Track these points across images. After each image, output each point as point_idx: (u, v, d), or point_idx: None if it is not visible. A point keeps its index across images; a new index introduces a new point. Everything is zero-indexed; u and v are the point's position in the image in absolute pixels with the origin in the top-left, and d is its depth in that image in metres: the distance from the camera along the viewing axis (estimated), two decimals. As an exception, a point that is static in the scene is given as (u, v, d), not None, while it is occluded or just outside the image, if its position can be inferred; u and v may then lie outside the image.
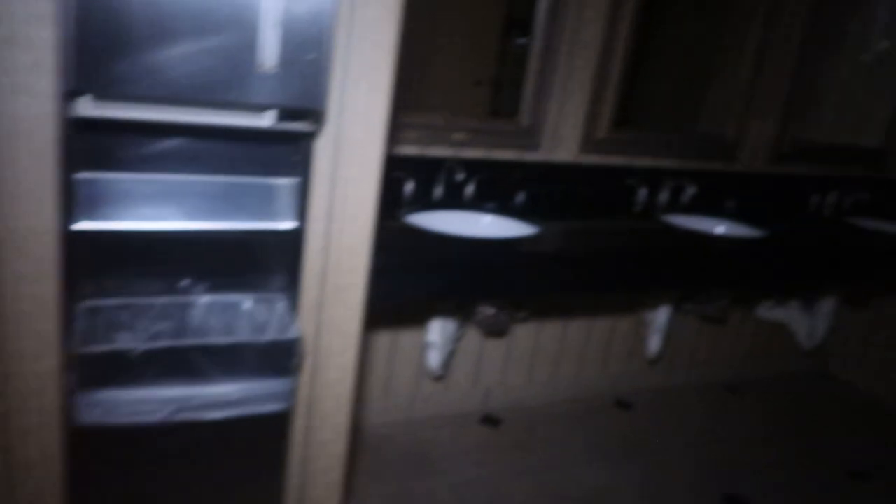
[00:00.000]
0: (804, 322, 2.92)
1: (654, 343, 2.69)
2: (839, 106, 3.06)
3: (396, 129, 2.16)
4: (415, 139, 2.21)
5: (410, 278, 1.80)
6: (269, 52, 1.16)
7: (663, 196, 2.58)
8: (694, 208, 2.60)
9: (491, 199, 2.28)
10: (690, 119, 2.85)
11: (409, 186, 2.17)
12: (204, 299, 1.49)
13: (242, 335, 1.47)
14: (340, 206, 1.46)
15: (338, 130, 1.38)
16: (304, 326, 1.52)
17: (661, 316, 2.64)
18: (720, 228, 2.55)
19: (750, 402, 3.10)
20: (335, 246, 1.48)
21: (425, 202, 2.18)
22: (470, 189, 2.26)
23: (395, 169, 2.15)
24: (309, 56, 1.19)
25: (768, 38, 2.65)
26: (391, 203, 2.09)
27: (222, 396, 1.42)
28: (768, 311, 3.02)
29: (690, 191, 2.60)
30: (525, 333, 2.68)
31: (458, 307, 2.27)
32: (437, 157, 2.24)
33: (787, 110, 2.81)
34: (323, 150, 1.39)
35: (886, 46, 2.98)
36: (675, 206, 2.59)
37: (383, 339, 2.42)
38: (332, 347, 1.57)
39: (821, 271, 2.46)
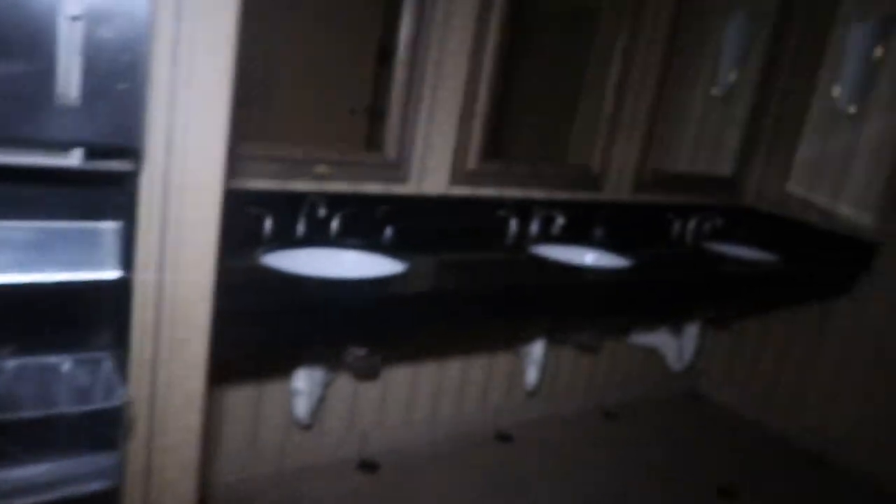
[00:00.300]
0: (673, 346, 3.01)
1: (531, 375, 2.67)
2: (695, 136, 3.22)
3: (252, 163, 2.02)
4: (274, 172, 2.07)
5: (267, 325, 1.66)
6: (70, 82, 1.01)
7: (534, 227, 2.58)
8: (564, 238, 2.62)
9: (357, 234, 2.18)
10: (559, 150, 2.89)
11: (267, 223, 2.03)
12: (12, 363, 1.29)
13: (59, 404, 1.28)
14: (174, 251, 1.30)
15: (166, 168, 1.24)
16: (135, 389, 1.34)
17: (536, 348, 2.63)
18: (589, 257, 2.58)
19: (627, 427, 3.15)
20: (170, 296, 1.33)
21: (286, 240, 2.04)
22: (335, 225, 2.15)
23: (251, 205, 2.02)
24: (120, 86, 1.05)
25: (628, 72, 2.74)
26: (247, 242, 1.94)
27: (33, 479, 1.21)
28: (639, 337, 3.09)
29: (560, 221, 2.61)
30: (401, 373, 2.58)
31: (327, 351, 2.14)
32: (299, 191, 2.11)
33: (648, 141, 2.91)
34: (149, 191, 1.24)
35: (734, 79, 3.17)
36: (546, 237, 2.59)
37: (246, 390, 2.24)
38: (171, 409, 1.40)
39: (685, 297, 2.54)
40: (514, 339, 2.73)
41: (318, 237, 2.10)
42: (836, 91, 3.05)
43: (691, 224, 3.05)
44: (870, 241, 2.91)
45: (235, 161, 1.98)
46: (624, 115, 2.81)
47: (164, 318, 1.33)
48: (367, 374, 2.43)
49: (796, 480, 2.92)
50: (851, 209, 2.99)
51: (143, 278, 1.30)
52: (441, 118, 2.34)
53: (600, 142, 2.79)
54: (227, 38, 1.22)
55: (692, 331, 3.01)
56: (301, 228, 2.09)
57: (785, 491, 2.82)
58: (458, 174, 2.44)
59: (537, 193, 2.66)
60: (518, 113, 2.71)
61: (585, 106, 2.82)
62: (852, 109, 3.00)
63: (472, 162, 2.45)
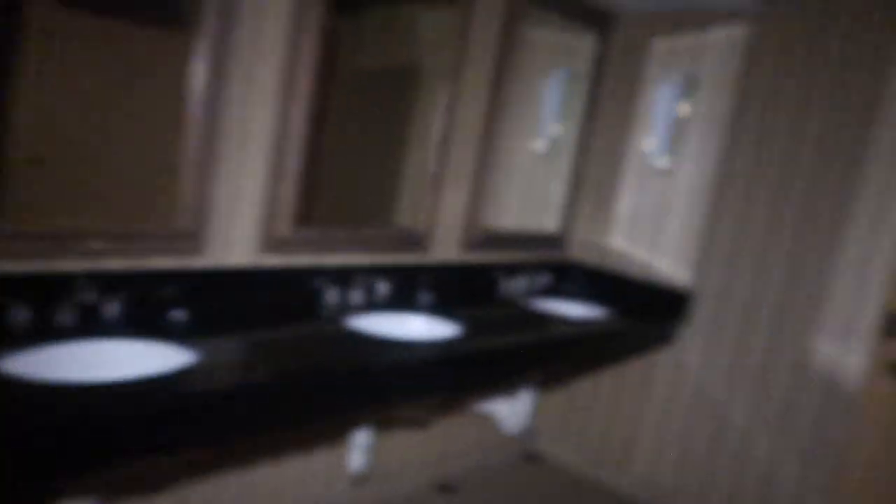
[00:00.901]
0: (506, 410, 2.91)
1: (356, 461, 2.43)
2: (523, 193, 3.20)
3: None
4: (29, 251, 1.70)
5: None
6: None
7: (356, 296, 2.38)
8: (388, 305, 2.44)
9: (142, 320, 1.85)
10: (385, 211, 2.72)
11: (17, 315, 1.65)
12: None
13: None
14: None
15: None
16: None
17: (360, 432, 2.39)
18: (415, 326, 2.41)
19: (464, 499, 2.98)
20: None
21: (43, 334, 1.67)
22: (113, 310, 1.80)
23: (-6, 294, 1.63)
24: None
25: (451, 129, 2.65)
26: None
27: None
28: (472, 406, 2.96)
29: (384, 287, 2.44)
30: (199, 481, 2.22)
31: (93, 474, 1.76)
32: (65, 272, 1.75)
33: (474, 200, 2.83)
34: None
35: (556, 135, 3.19)
36: (370, 305, 2.40)
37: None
38: None
39: (515, 362, 2.43)
40: (334, 424, 2.48)
41: (88, 327, 1.75)
42: (648, 147, 3.16)
43: (520, 282, 3.01)
44: (685, 292, 3.01)
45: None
46: (449, 174, 2.71)
47: None
48: (152, 492, 2.06)
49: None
50: (668, 263, 3.08)
51: None
52: (246, 181, 2.09)
53: (425, 202, 2.66)
54: None
55: (525, 393, 2.93)
56: (65, 318, 1.73)
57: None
58: (269, 242, 2.18)
59: (359, 259, 2.47)
60: (339, 174, 2.51)
61: (410, 165, 2.69)
62: (664, 165, 3.12)
63: (284, 229, 2.21)
